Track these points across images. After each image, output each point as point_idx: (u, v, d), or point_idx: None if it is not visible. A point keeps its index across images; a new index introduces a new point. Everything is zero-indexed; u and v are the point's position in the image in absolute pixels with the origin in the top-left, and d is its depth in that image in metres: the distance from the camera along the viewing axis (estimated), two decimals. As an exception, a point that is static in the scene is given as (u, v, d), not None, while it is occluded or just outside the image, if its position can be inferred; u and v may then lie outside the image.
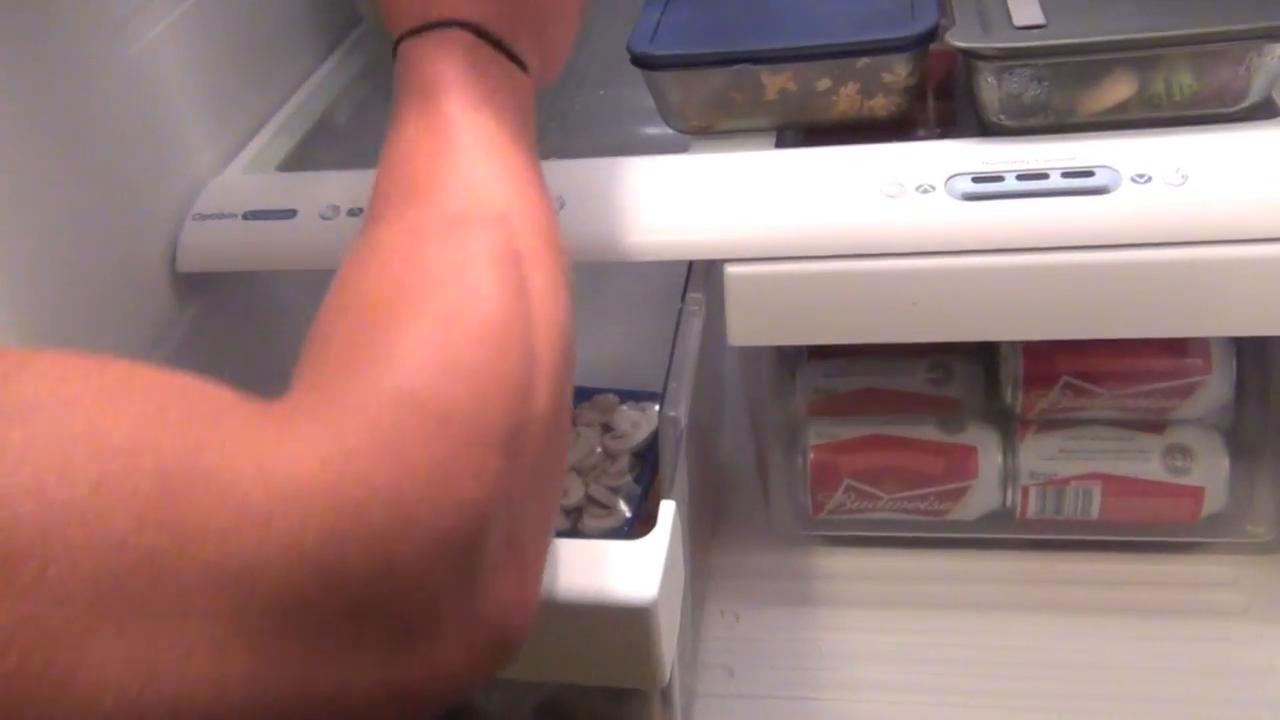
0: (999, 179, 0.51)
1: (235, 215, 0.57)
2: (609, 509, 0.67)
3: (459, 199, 0.36)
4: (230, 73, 0.64)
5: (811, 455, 0.63)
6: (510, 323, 0.31)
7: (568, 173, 0.57)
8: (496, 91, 0.41)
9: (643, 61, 0.57)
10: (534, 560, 0.32)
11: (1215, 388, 0.58)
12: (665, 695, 0.47)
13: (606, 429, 0.72)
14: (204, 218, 0.58)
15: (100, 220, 0.53)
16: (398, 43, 0.42)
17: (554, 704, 0.52)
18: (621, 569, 0.40)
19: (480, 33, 0.41)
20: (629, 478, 0.68)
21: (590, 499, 0.67)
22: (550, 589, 0.40)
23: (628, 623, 0.39)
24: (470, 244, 0.33)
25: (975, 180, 0.51)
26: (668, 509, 0.43)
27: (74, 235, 0.51)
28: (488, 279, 0.32)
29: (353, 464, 0.25)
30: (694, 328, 0.52)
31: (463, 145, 0.38)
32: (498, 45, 0.42)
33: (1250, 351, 0.57)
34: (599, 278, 0.77)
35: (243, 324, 0.66)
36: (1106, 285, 0.49)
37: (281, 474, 0.24)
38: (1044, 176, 0.50)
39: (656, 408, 0.73)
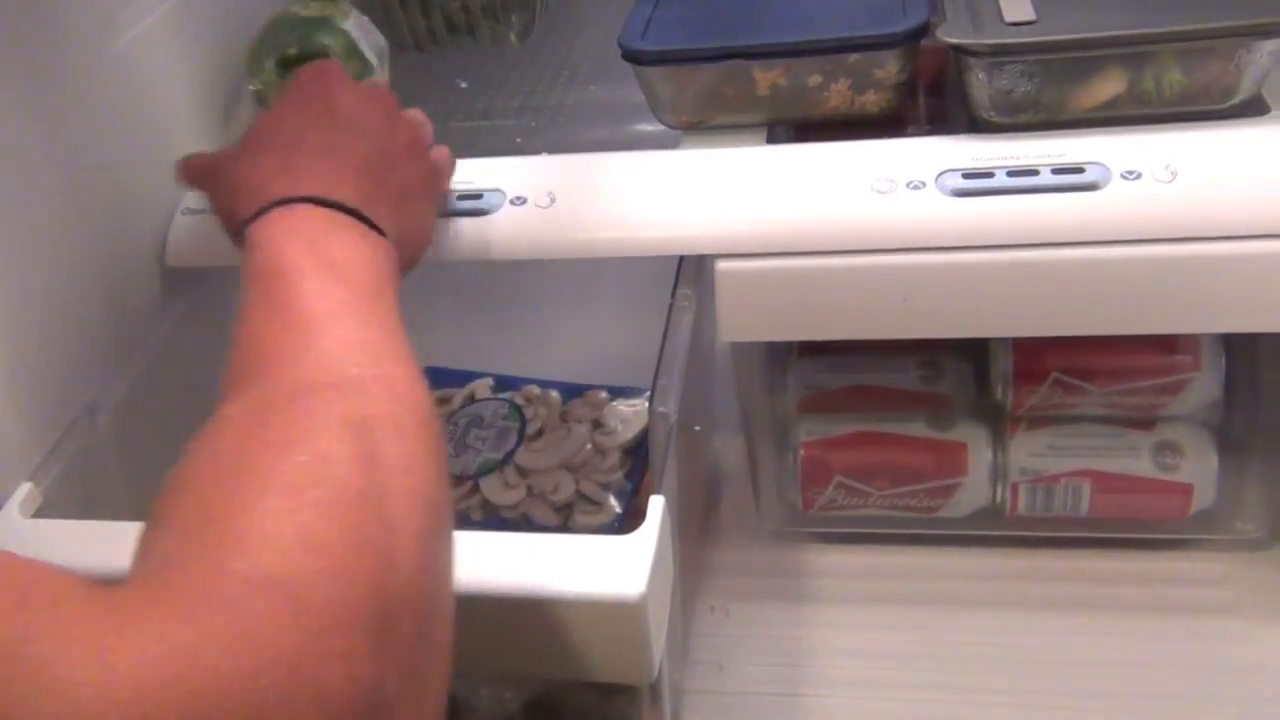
0: (989, 175, 0.51)
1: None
2: (599, 505, 0.67)
3: (307, 368, 0.34)
4: (219, 66, 0.64)
5: (802, 452, 0.63)
6: (365, 489, 0.29)
7: (558, 169, 0.57)
8: (351, 260, 0.39)
9: (633, 57, 0.57)
10: None
11: (1204, 385, 0.58)
12: (654, 690, 0.47)
13: (597, 425, 0.72)
14: (193, 212, 0.58)
15: (88, 214, 0.53)
16: (241, 231, 0.41)
17: (542, 701, 0.52)
18: (610, 564, 0.40)
19: (325, 203, 0.41)
20: (619, 474, 0.68)
21: (581, 495, 0.67)
22: (539, 585, 0.40)
23: (617, 618, 0.39)
24: (318, 411, 0.31)
25: (966, 176, 0.51)
26: (657, 504, 0.43)
27: (61, 229, 0.51)
28: (337, 445, 0.30)
29: (202, 654, 0.23)
30: (684, 323, 0.52)
31: (312, 316, 0.36)
32: (348, 211, 0.41)
33: (1239, 348, 0.58)
34: (589, 274, 0.77)
35: (230, 320, 0.66)
36: (1096, 282, 0.49)
37: (122, 668, 0.22)
38: (1034, 173, 0.50)
39: (646, 404, 0.73)
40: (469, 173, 0.57)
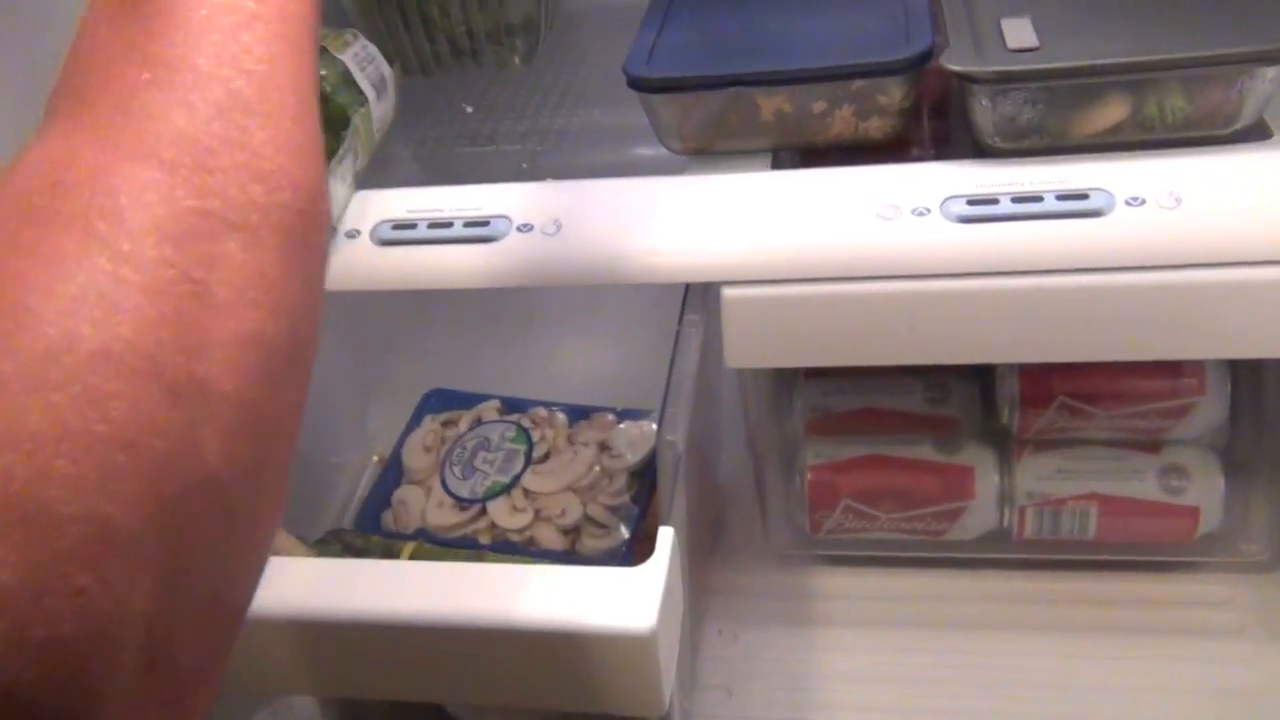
0: (994, 201, 0.51)
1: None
2: (607, 529, 0.67)
3: (138, 120, 0.24)
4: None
5: (809, 475, 0.63)
6: (162, 346, 0.21)
7: (564, 195, 0.57)
8: None
9: (638, 84, 0.57)
10: (193, 694, 0.23)
11: (1210, 408, 0.58)
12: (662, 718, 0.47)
13: (604, 448, 0.72)
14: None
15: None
16: None
17: (552, 729, 0.52)
18: (620, 597, 0.40)
19: None
20: (627, 497, 0.68)
21: (588, 519, 0.67)
22: (548, 616, 0.40)
23: (627, 651, 0.39)
24: (126, 204, 0.22)
25: (970, 203, 0.51)
26: (666, 535, 0.43)
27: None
28: (133, 271, 0.21)
29: None
30: (691, 350, 0.53)
31: (180, 29, 0.25)
32: None
33: (1245, 372, 0.58)
34: (595, 295, 0.77)
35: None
36: (1102, 308, 0.49)
37: None
38: (1039, 199, 0.51)
39: (654, 426, 0.74)
40: (476, 199, 0.57)
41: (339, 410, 0.80)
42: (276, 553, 0.60)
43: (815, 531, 0.64)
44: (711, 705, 0.60)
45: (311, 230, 0.26)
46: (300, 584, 0.44)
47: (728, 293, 0.52)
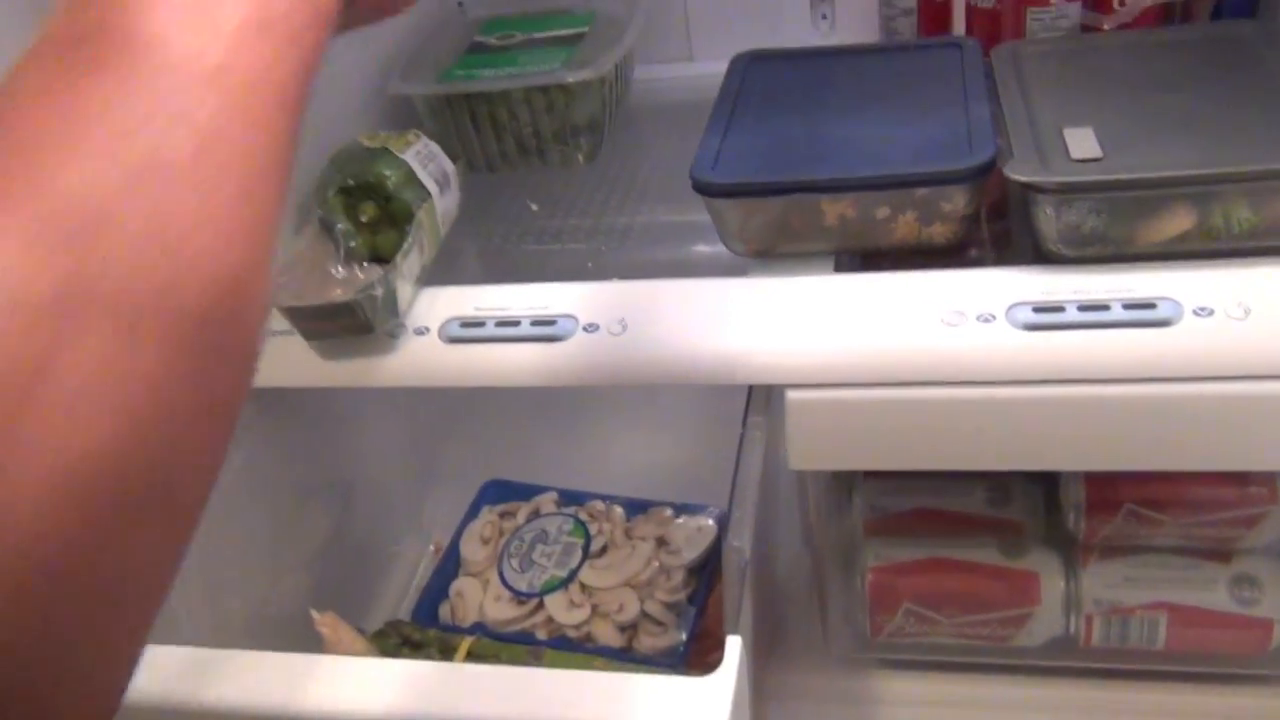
0: (1060, 309, 0.51)
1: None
2: (664, 627, 0.67)
3: (24, 177, 0.20)
4: (298, 189, 0.66)
5: (869, 577, 0.63)
6: None
7: (629, 295, 0.58)
8: None
9: (704, 189, 0.58)
10: None
11: (1282, 517, 0.57)
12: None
13: (661, 543, 0.72)
14: (274, 334, 0.60)
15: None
16: None
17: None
18: (689, 710, 0.40)
19: None
20: (684, 594, 0.68)
21: (645, 615, 0.67)
22: (616, 727, 0.40)
23: (695, 765, 0.39)
24: None
25: (1036, 310, 0.51)
26: (734, 645, 0.43)
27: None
28: None
29: None
30: (756, 453, 0.53)
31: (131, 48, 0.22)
32: None
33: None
34: (653, 387, 0.78)
35: (307, 436, 0.68)
36: (1169, 417, 0.49)
37: None
38: (1105, 308, 0.51)
39: (711, 522, 0.74)
40: (542, 298, 0.59)
41: (396, 498, 0.81)
42: (336, 645, 0.60)
43: (876, 635, 0.63)
44: (770, 813, 0.59)
45: (229, 333, 0.22)
46: (360, 687, 0.44)
47: (792, 396, 0.53)
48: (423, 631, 0.65)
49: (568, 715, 0.40)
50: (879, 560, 0.63)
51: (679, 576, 0.69)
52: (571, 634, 0.67)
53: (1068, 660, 0.62)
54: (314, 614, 0.59)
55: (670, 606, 0.67)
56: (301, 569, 0.69)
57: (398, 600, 0.77)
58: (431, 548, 0.81)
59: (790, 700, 0.65)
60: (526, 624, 0.67)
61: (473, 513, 0.77)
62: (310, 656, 0.46)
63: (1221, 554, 0.59)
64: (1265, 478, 0.56)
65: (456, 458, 0.85)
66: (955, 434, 0.52)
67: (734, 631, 0.44)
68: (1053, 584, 0.60)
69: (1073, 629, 0.60)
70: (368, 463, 0.78)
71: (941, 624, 0.62)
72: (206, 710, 0.44)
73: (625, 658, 0.65)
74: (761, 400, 0.56)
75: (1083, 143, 0.54)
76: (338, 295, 0.56)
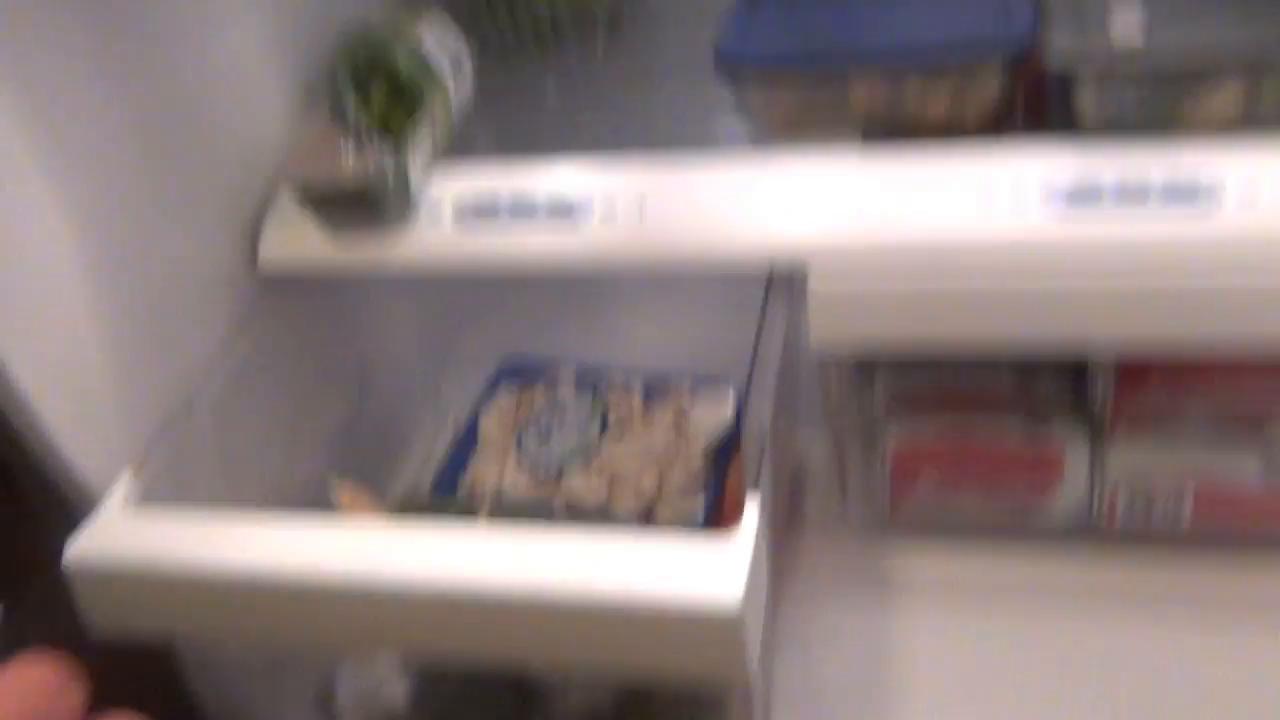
0: (1098, 192, 0.49)
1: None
2: (683, 501, 0.66)
3: None
4: (304, 67, 0.64)
5: (891, 456, 0.62)
6: None
7: (647, 179, 0.56)
8: None
9: (729, 64, 0.55)
10: None
11: (1317, 393, 0.56)
12: (746, 695, 0.47)
13: (680, 417, 0.71)
14: (284, 221, 0.58)
15: (186, 215, 0.55)
16: None
17: (633, 695, 0.52)
18: (707, 570, 0.39)
19: None
20: (702, 468, 0.68)
21: (665, 489, 0.67)
22: (633, 588, 0.40)
23: (713, 624, 0.39)
24: None
25: (1073, 192, 0.49)
26: (752, 509, 0.42)
27: (160, 230, 0.53)
28: None
29: None
30: (776, 333, 0.52)
31: None
32: None
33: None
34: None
35: (322, 319, 0.67)
36: (1209, 305, 0.47)
37: None
38: (1145, 190, 0.48)
39: (730, 396, 0.73)
40: (559, 182, 0.57)
41: (415, 378, 0.81)
42: (356, 511, 0.60)
43: (896, 512, 0.63)
44: (787, 685, 0.59)
45: None
46: (381, 550, 0.44)
47: (814, 284, 0.51)
48: (443, 500, 0.66)
49: (584, 576, 0.40)
50: (900, 439, 0.62)
51: (697, 451, 0.69)
52: (590, 509, 0.67)
53: (1089, 537, 0.62)
54: (333, 482, 0.59)
55: (688, 481, 0.67)
56: (319, 449, 0.69)
57: (415, 478, 0.77)
58: (450, 425, 0.81)
59: (809, 574, 0.65)
60: (545, 498, 0.68)
61: (490, 389, 0.77)
62: (328, 519, 0.46)
63: (1253, 429, 0.57)
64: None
65: (474, 337, 0.84)
66: (985, 322, 0.50)
67: (753, 500, 0.43)
68: (1077, 461, 0.59)
69: (1096, 506, 0.60)
70: (384, 345, 0.78)
71: (963, 501, 0.61)
72: (223, 572, 0.45)
73: (645, 527, 0.65)
74: (783, 284, 0.54)
75: (1126, 17, 0.51)
76: (348, 177, 0.54)
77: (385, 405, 0.77)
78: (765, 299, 0.52)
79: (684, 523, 0.66)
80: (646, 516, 0.67)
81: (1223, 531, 0.60)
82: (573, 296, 0.80)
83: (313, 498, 0.61)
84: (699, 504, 0.66)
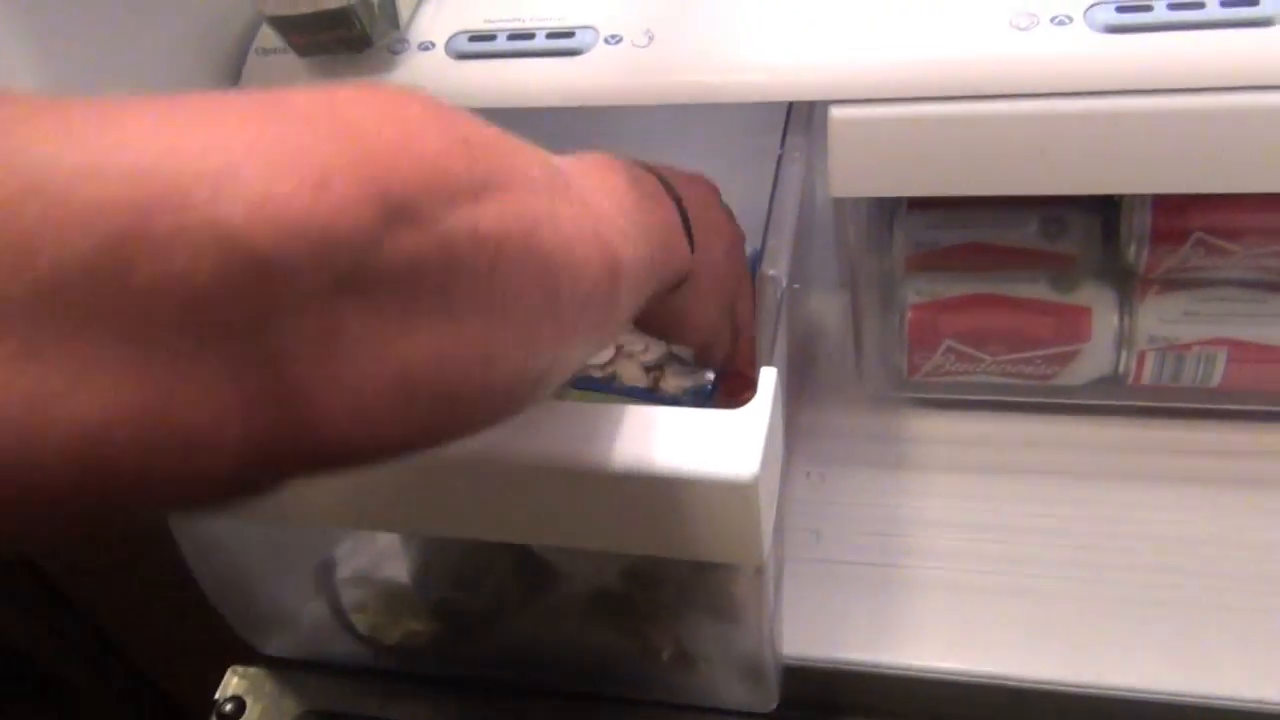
0: (1147, 8, 0.45)
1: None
2: (691, 366, 0.64)
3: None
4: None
5: (909, 314, 0.59)
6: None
7: (656, 1, 0.52)
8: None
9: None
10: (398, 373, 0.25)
11: (1364, 246, 0.52)
12: (759, 566, 0.45)
13: None
14: (265, 52, 0.55)
15: (165, 54, 0.51)
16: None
17: (641, 570, 0.51)
18: (722, 442, 0.37)
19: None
20: None
21: (673, 356, 0.64)
22: (644, 460, 0.38)
23: (728, 498, 0.37)
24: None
25: (1120, 10, 0.45)
26: (768, 377, 0.40)
27: (137, 69, 0.49)
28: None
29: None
30: (794, 178, 0.48)
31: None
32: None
33: None
34: (683, 110, 0.72)
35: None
36: (1265, 130, 0.44)
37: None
38: (1199, 6, 0.44)
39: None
40: (559, 7, 0.53)
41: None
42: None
43: (913, 374, 0.61)
44: (800, 549, 0.58)
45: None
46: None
47: (836, 113, 0.47)
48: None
49: (595, 447, 0.38)
50: (920, 296, 0.59)
51: None
52: (596, 374, 0.64)
53: (1114, 399, 0.59)
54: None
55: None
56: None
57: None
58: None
59: (820, 438, 0.63)
60: None
61: None
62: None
63: (1292, 288, 0.55)
64: (1353, 203, 0.52)
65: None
66: (1019, 155, 0.46)
67: (769, 363, 0.41)
68: (1105, 320, 0.57)
69: (1123, 366, 0.57)
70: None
71: (984, 362, 0.59)
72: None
73: (651, 398, 0.63)
74: (802, 119, 0.50)
75: None
76: (330, 2, 0.50)
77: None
78: (784, 133, 0.49)
79: (693, 388, 0.63)
80: (654, 383, 0.64)
81: (1254, 391, 0.57)
82: (578, 140, 0.75)
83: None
84: (707, 371, 0.63)
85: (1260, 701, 0.49)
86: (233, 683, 0.60)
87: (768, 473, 0.38)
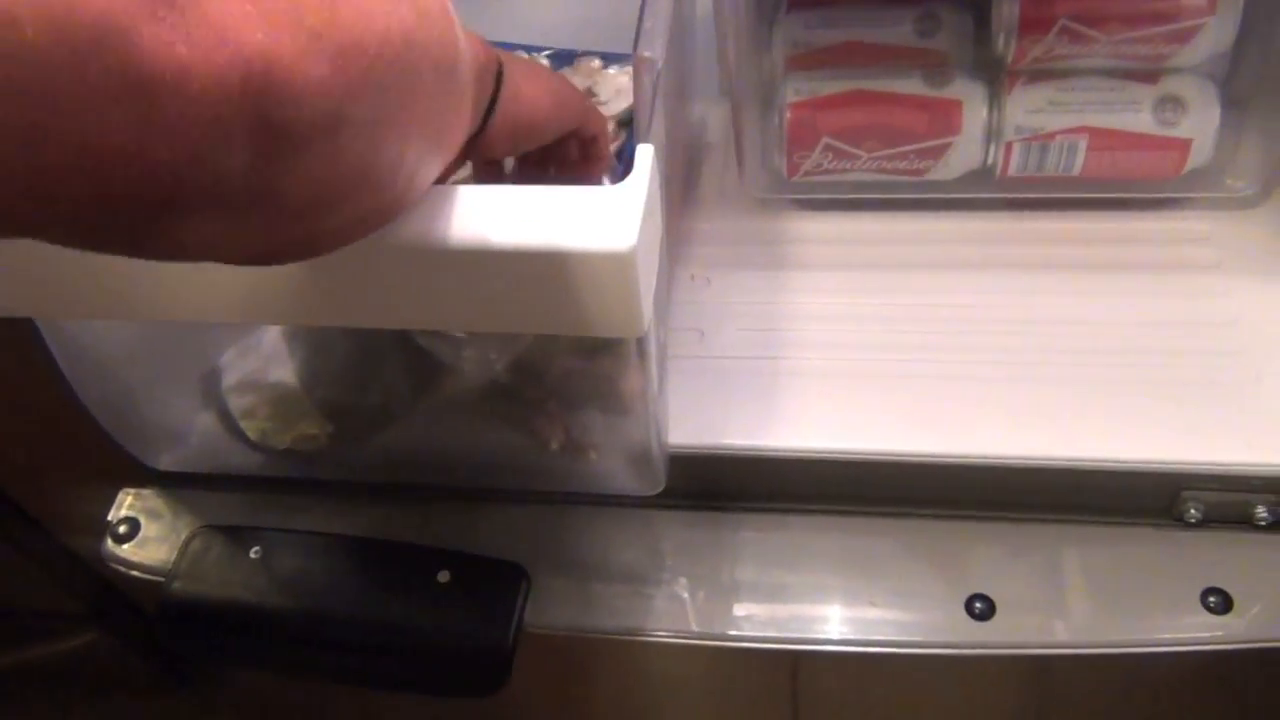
0: None
1: None
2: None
3: None
4: None
5: (788, 113, 0.60)
6: None
7: None
8: None
9: None
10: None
11: (1216, 31, 0.55)
12: (641, 347, 0.46)
13: (590, 94, 0.67)
14: None
15: None
16: None
17: (526, 362, 0.52)
18: (600, 214, 0.38)
19: None
20: (615, 145, 0.65)
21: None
22: (528, 236, 0.38)
23: (608, 268, 0.38)
24: None
25: None
26: (645, 153, 0.40)
27: None
28: None
29: None
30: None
31: None
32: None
33: (1257, -8, 0.54)
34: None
35: None
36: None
37: None
38: None
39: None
40: None
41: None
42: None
43: (793, 173, 0.62)
44: (685, 347, 0.60)
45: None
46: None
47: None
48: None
49: (476, 227, 0.38)
50: (799, 95, 0.60)
51: (610, 126, 0.65)
52: (506, 181, 0.64)
53: (984, 191, 0.62)
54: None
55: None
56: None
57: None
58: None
59: (704, 243, 0.65)
60: (457, 177, 0.64)
61: None
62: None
63: (1149, 75, 0.57)
64: (1206, -13, 0.53)
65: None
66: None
67: (645, 140, 0.41)
68: (975, 112, 0.58)
69: (991, 158, 0.59)
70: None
71: (860, 158, 0.60)
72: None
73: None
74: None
75: None
76: None
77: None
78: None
79: None
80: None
81: (1114, 179, 0.60)
82: None
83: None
84: (613, 180, 0.63)
85: (1106, 460, 0.53)
86: (125, 503, 0.60)
87: (645, 244, 0.38)
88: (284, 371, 0.54)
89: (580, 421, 0.54)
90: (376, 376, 0.55)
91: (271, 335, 0.55)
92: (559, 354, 0.51)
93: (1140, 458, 0.53)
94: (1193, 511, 0.54)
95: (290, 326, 0.54)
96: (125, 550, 0.59)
